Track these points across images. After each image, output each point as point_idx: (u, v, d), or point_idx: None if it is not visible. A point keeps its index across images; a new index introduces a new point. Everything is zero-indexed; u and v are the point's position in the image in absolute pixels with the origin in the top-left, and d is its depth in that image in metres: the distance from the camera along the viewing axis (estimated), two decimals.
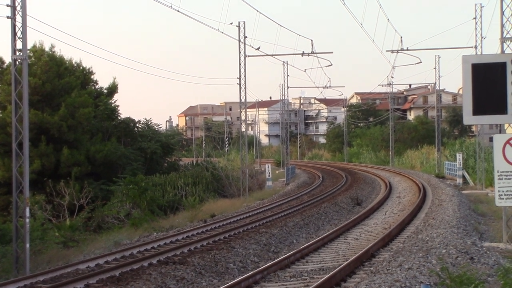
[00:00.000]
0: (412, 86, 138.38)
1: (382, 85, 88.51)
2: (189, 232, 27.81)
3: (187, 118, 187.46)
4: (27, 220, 22.51)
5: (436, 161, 71.50)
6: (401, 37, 52.55)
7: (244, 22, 49.19)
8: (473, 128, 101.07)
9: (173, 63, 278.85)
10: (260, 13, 43.04)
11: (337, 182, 56.79)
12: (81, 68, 55.89)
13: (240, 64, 50.24)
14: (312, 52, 52.15)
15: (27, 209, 22.53)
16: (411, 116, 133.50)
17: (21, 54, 22.84)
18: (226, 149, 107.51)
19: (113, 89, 59.05)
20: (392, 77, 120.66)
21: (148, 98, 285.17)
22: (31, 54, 47.58)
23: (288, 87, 76.34)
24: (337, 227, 27.56)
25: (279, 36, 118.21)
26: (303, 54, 52.59)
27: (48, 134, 46.52)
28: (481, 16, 48.84)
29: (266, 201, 44.07)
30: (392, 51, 51.96)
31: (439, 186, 47.03)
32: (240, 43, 49.64)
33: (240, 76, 50.46)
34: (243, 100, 51.21)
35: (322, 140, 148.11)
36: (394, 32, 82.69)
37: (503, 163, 10.21)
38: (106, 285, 17.51)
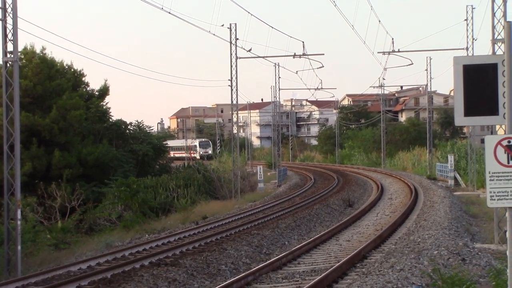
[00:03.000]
0: (404, 88, 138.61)
1: (374, 87, 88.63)
2: (181, 234, 27.81)
3: (179, 120, 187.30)
4: (19, 222, 22.49)
5: (427, 162, 71.61)
6: (393, 38, 52.57)
7: (235, 24, 49.28)
8: (465, 130, 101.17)
9: (165, 65, 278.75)
10: (251, 14, 43.05)
11: (328, 183, 56.83)
12: (72, 70, 55.74)
13: (231, 66, 50.27)
14: (304, 54, 52.18)
15: (19, 211, 22.50)
16: (402, 117, 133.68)
17: (12, 56, 22.81)
18: (218, 151, 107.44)
19: (104, 91, 58.92)
20: (384, 79, 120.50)
21: (139, 100, 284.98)
22: (22, 56, 47.45)
23: (279, 89, 76.37)
24: (329, 229, 27.58)
25: (270, 38, 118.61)
26: (294, 56, 52.63)
27: (40, 136, 46.43)
28: (472, 18, 48.99)
29: (258, 203, 44.07)
30: (384, 52, 52.03)
31: (430, 187, 47.12)
32: (232, 45, 49.67)
33: (231, 78, 50.47)
34: (234, 102, 51.22)
35: (314, 142, 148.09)
36: (385, 34, 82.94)
37: (495, 164, 10.21)
38: (98, 287, 17.48)
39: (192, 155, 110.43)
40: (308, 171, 79.90)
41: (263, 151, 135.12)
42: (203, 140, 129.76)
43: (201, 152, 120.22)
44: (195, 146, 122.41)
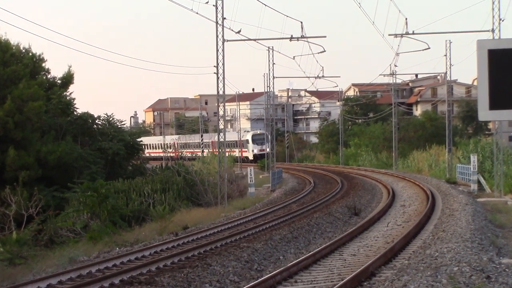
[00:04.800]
0: (419, 76, 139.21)
1: (384, 75, 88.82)
2: (157, 247, 27.79)
3: (156, 113, 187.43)
4: None
5: (446, 163, 71.79)
6: (406, 19, 52.55)
7: (222, 1, 49.20)
8: (490, 126, 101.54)
9: (140, 49, 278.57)
10: None
11: (331, 188, 56.91)
12: (31, 54, 55.74)
13: (217, 50, 50.20)
14: (302, 36, 52.24)
15: None
16: (417, 111, 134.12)
17: None
18: (201, 149, 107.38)
19: (68, 79, 58.93)
20: (396, 66, 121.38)
21: (109, 90, 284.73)
22: None
23: (274, 77, 76.52)
24: (331, 241, 27.59)
25: (263, 18, 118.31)
26: (291, 38, 52.68)
27: None
28: None
29: (248, 210, 44.11)
30: (396, 35, 52.11)
31: (450, 193, 47.23)
32: (218, 25, 49.61)
33: (217, 64, 50.42)
34: (221, 92, 51.17)
35: (314, 139, 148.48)
36: (398, 13, 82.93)
37: None
38: None
39: (243, 154, 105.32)
40: (307, 173, 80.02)
41: None
42: (258, 132, 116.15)
43: (254, 151, 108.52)
44: (247, 141, 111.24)
